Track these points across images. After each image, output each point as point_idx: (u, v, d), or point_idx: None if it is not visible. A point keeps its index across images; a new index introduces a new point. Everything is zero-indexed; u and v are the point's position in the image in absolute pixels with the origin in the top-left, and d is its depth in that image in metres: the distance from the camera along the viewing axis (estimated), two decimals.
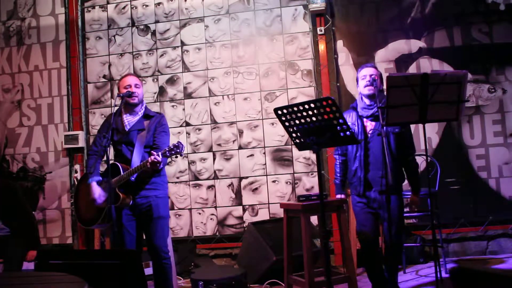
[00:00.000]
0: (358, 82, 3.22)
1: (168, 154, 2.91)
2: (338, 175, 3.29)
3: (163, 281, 3.17)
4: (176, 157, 3.02)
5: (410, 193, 3.28)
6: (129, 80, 3.23)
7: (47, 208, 5.13)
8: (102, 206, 3.15)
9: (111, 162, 3.11)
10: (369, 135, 3.12)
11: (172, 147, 2.90)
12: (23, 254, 3.53)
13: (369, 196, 3.11)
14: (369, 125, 3.14)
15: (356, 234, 3.45)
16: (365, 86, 3.12)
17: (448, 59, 4.63)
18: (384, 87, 2.97)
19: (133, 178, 3.06)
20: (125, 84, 3.21)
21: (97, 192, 3.16)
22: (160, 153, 2.90)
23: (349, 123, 3.15)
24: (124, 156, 3.19)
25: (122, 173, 3.07)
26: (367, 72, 3.14)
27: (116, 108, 3.16)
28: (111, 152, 3.21)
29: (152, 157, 2.87)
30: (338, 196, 3.29)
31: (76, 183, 4.90)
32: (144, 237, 3.25)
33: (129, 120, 3.24)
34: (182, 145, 2.90)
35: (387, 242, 3.21)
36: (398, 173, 3.14)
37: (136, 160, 3.12)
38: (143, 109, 3.29)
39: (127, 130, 3.21)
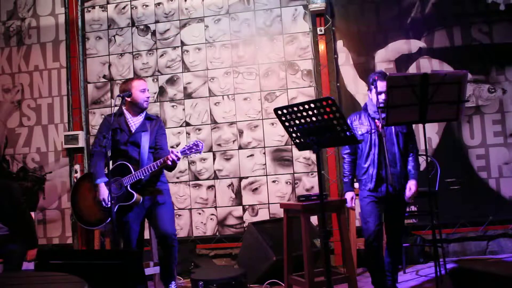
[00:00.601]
0: (370, 88, 3.22)
1: (188, 153, 3.09)
2: (348, 173, 3.33)
3: (170, 264, 3.27)
4: (195, 155, 3.25)
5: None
6: (145, 84, 3.38)
7: (47, 208, 5.12)
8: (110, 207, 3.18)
9: (120, 162, 3.24)
10: (382, 134, 3.17)
11: (191, 145, 3.08)
12: (23, 253, 3.53)
13: (380, 191, 3.14)
14: (381, 125, 3.19)
15: (361, 230, 3.44)
16: (378, 100, 3.10)
17: (448, 59, 4.62)
18: None
19: (144, 177, 3.18)
20: (142, 88, 3.33)
21: (106, 193, 3.22)
22: (179, 150, 3.08)
23: (362, 123, 3.20)
24: (130, 156, 3.28)
25: (133, 172, 3.17)
26: (381, 88, 3.07)
27: (116, 108, 3.23)
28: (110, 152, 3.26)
29: (173, 154, 3.04)
30: (348, 193, 3.32)
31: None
32: (152, 226, 3.37)
33: (134, 122, 3.36)
34: (202, 143, 3.09)
35: (388, 242, 3.23)
36: (404, 173, 3.18)
37: (144, 160, 3.24)
38: (145, 112, 3.43)
39: (133, 131, 3.31)
